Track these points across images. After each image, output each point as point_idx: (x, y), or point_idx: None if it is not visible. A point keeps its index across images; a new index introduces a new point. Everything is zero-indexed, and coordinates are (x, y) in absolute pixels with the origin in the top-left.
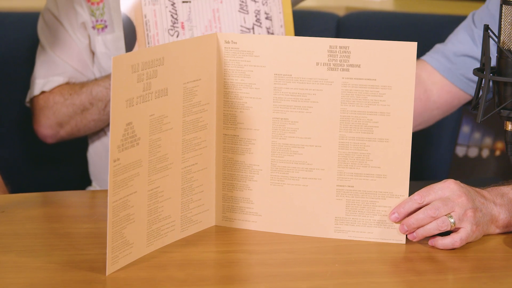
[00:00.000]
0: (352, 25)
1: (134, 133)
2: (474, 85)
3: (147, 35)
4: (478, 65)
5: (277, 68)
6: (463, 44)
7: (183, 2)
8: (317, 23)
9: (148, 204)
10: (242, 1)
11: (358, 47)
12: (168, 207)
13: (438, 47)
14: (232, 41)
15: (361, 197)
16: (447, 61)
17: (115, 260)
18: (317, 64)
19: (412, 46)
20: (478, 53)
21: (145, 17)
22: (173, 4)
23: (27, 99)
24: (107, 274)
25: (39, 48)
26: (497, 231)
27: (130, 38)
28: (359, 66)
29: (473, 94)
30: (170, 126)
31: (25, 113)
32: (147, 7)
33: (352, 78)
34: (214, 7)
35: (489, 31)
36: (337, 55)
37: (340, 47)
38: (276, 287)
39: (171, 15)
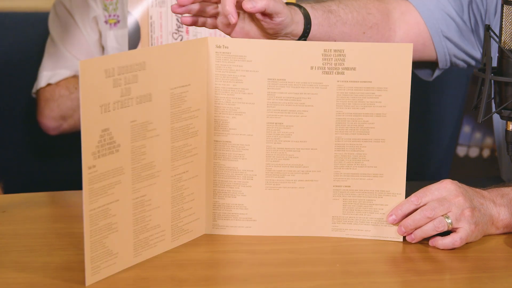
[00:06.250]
0: None
1: (112, 139)
2: (445, 44)
3: (151, 36)
4: (456, 28)
5: (271, 73)
6: (446, 3)
7: None
8: None
9: (134, 213)
10: None
11: (353, 49)
12: (157, 216)
13: None
14: (223, 45)
15: (358, 196)
16: (428, 10)
17: (97, 270)
18: (312, 68)
19: (408, 47)
20: (457, 16)
21: (151, 18)
22: None
23: (34, 90)
24: (86, 285)
25: (48, 40)
26: (498, 231)
27: (134, 37)
28: (354, 69)
29: (440, 55)
30: (156, 133)
31: (30, 107)
32: (153, 8)
33: (347, 81)
34: None
35: (490, 31)
36: (331, 58)
37: (335, 51)
38: (277, 287)
39: (177, 19)
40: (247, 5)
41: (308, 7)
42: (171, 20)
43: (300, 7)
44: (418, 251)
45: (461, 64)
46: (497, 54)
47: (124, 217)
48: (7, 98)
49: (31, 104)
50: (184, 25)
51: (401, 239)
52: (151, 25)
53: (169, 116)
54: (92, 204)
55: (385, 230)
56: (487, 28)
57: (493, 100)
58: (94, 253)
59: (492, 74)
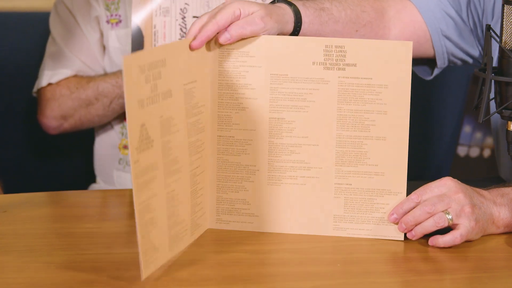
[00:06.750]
0: None
1: (148, 134)
2: (444, 43)
3: (154, 45)
4: (455, 27)
5: (273, 68)
6: (446, 2)
7: (194, 17)
8: None
9: (167, 207)
10: None
11: (354, 46)
12: (182, 210)
13: None
14: None
15: (359, 194)
16: (429, 10)
17: (147, 265)
18: (313, 63)
19: (408, 45)
20: (456, 16)
21: (155, 27)
22: (183, 18)
23: (34, 89)
24: (142, 279)
25: (49, 39)
26: (498, 231)
27: (137, 46)
28: (355, 65)
29: (438, 54)
30: (177, 128)
31: (30, 107)
32: (157, 18)
33: (348, 77)
34: None
35: (491, 31)
36: (333, 54)
37: (336, 47)
38: (278, 287)
39: (180, 28)
40: (222, 40)
41: (299, 5)
42: (175, 29)
43: (291, 4)
44: (418, 251)
45: (458, 62)
46: (498, 54)
47: (161, 211)
48: (7, 98)
49: (31, 103)
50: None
51: (402, 238)
52: (154, 34)
53: (184, 111)
54: (139, 198)
55: (386, 229)
56: (488, 28)
57: (493, 100)
58: (144, 247)
59: (493, 74)
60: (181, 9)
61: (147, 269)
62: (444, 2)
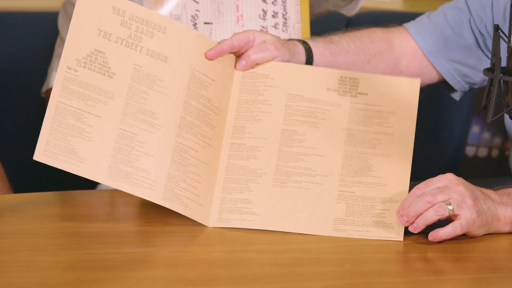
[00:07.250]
0: (361, 26)
1: (106, 64)
2: (450, 66)
3: None
4: (456, 46)
5: (290, 89)
6: (443, 23)
7: (205, 23)
8: (326, 23)
9: (117, 140)
10: (263, 27)
11: (366, 79)
12: (148, 162)
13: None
14: None
15: (361, 201)
16: (423, 38)
17: (50, 154)
18: (328, 89)
19: (416, 82)
20: (455, 35)
21: None
22: (194, 25)
23: (43, 89)
24: (35, 158)
25: (58, 40)
26: (505, 228)
27: None
28: (366, 94)
29: (448, 77)
30: (165, 92)
31: (39, 107)
32: None
33: (359, 103)
34: (234, 30)
35: (499, 31)
36: (347, 84)
37: (350, 78)
38: (287, 287)
39: None
40: (238, 67)
41: (308, 40)
42: None
43: (299, 40)
44: (427, 252)
45: (480, 82)
46: (506, 54)
47: (103, 136)
48: (16, 98)
49: (41, 103)
50: None
51: (402, 239)
52: None
53: (185, 89)
54: (63, 98)
55: (385, 230)
56: (496, 28)
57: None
58: (51, 137)
59: (501, 74)
60: (192, 16)
61: (47, 156)
62: (440, 25)
